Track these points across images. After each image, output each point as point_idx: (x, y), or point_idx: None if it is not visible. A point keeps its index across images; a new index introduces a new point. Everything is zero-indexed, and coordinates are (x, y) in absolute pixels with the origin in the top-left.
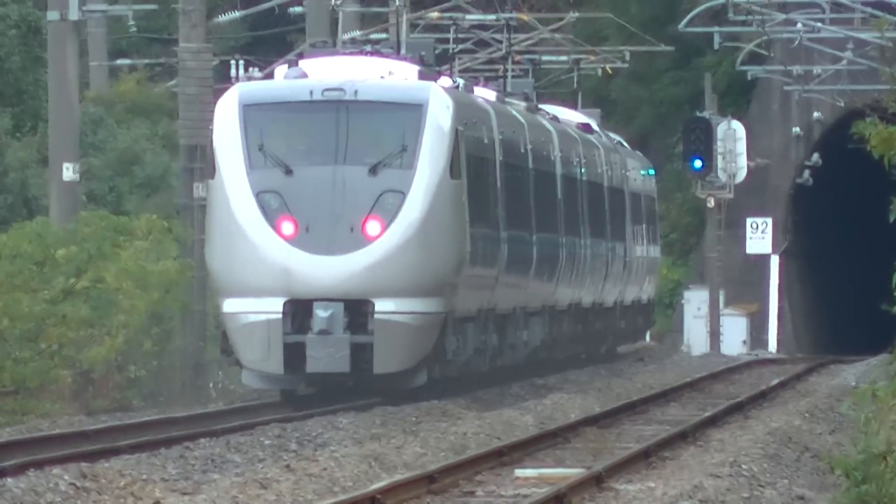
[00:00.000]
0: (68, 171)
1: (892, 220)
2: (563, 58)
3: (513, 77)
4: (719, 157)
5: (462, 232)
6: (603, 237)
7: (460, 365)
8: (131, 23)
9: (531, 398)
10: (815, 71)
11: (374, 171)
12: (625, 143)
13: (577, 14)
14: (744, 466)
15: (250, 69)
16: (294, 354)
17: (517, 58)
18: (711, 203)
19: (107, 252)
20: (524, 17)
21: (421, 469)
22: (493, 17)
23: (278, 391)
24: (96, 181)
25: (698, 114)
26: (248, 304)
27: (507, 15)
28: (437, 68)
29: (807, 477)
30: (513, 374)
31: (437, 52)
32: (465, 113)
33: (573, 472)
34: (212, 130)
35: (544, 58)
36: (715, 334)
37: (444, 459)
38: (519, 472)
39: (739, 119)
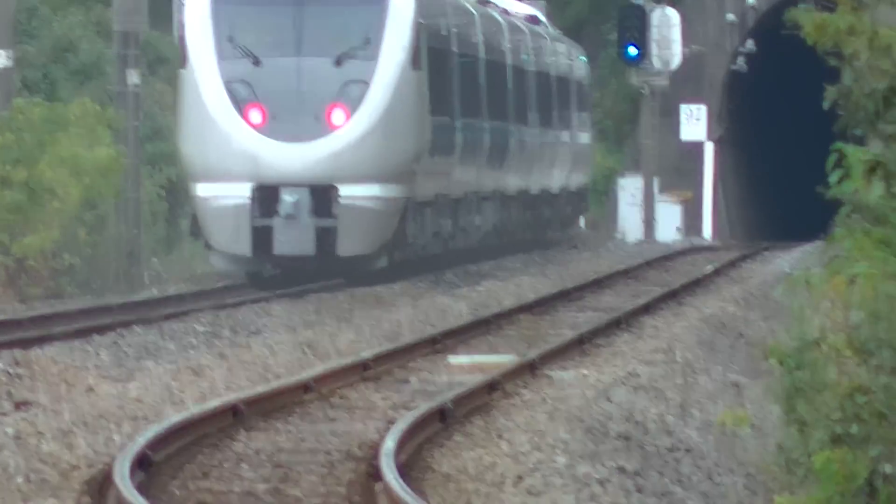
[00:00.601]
0: (2, 59)
1: (825, 107)
2: None
3: None
4: (654, 45)
5: (423, 121)
6: (549, 125)
7: (419, 248)
8: None
9: (465, 285)
10: None
11: (338, 61)
12: (541, 16)
13: None
14: (678, 353)
15: None
16: (261, 237)
17: None
18: (646, 90)
19: (43, 142)
20: None
21: (355, 356)
22: None
23: (244, 273)
24: (31, 68)
25: (633, 1)
26: (218, 189)
27: None
28: None
29: (741, 363)
30: (466, 256)
31: None
32: (425, 7)
33: (507, 360)
34: (182, 23)
35: None
36: (649, 222)
37: (378, 347)
38: (452, 360)
39: (674, 6)
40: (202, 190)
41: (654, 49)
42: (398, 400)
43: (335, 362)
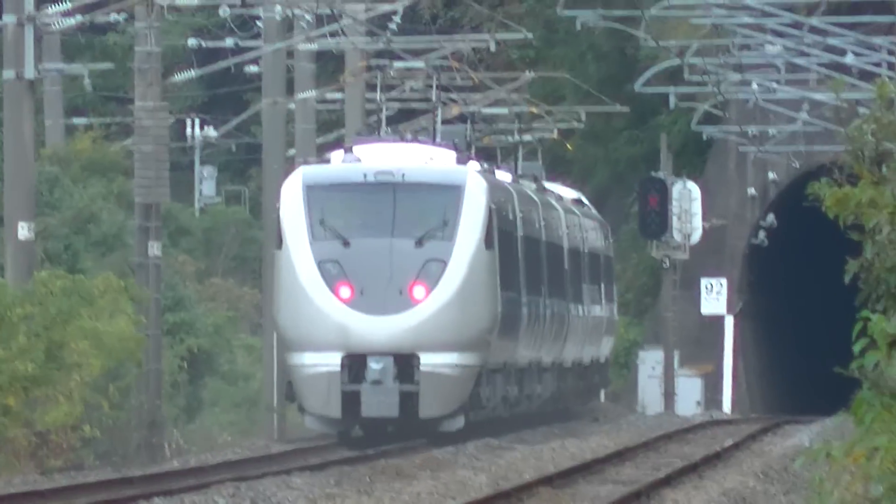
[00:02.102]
0: (24, 230)
1: (847, 280)
2: (505, 111)
3: (448, 126)
4: (675, 218)
5: (494, 295)
6: (596, 301)
7: (490, 411)
8: (87, 81)
9: (485, 457)
10: (770, 132)
11: (419, 242)
12: (584, 199)
13: (532, 74)
14: None
15: (205, 128)
16: (350, 401)
17: (456, 111)
18: (667, 263)
19: (66, 314)
20: (456, 64)
21: None
22: (421, 64)
23: (335, 433)
24: (52, 240)
25: (654, 174)
26: (311, 358)
27: (440, 63)
28: (469, 154)
29: None
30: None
31: (392, 112)
32: (495, 193)
33: None
34: (279, 207)
35: (485, 110)
36: (670, 394)
37: None
38: None
39: (695, 179)
40: (297, 359)
41: (674, 222)
42: None
43: None
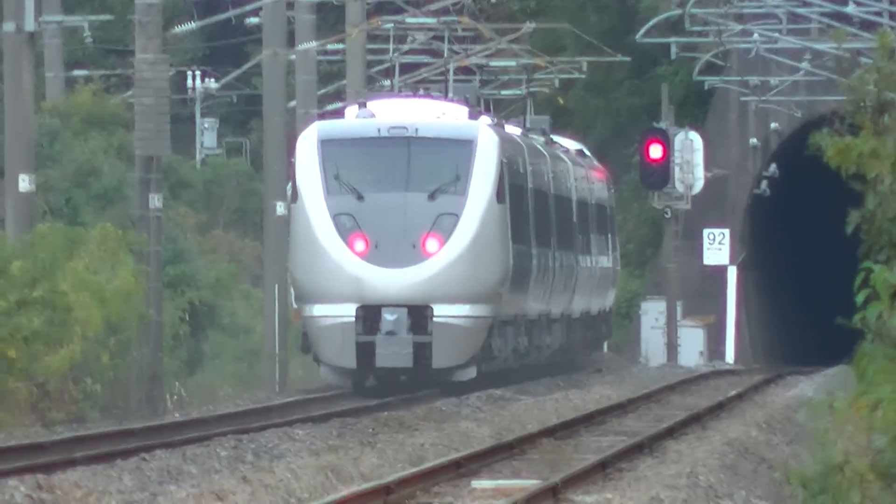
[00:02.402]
0: (24, 183)
1: (849, 231)
2: (513, 63)
3: (459, 83)
4: (677, 168)
5: (506, 249)
6: (602, 253)
7: (501, 362)
8: (87, 34)
9: (489, 409)
10: (772, 82)
11: (432, 196)
12: (586, 151)
13: (533, 24)
14: (701, 478)
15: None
16: (365, 352)
17: (465, 64)
18: (669, 214)
19: (61, 263)
20: (464, 19)
21: (378, 480)
22: (433, 20)
23: (350, 383)
24: (53, 193)
25: (655, 124)
26: (327, 310)
27: (449, 18)
28: (480, 109)
29: (764, 488)
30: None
31: (385, 65)
32: (506, 147)
33: (530, 484)
34: (294, 162)
35: (493, 64)
36: (672, 346)
37: (400, 471)
38: (476, 484)
39: (697, 130)
40: (312, 310)
41: (676, 172)
42: None
43: (358, 486)
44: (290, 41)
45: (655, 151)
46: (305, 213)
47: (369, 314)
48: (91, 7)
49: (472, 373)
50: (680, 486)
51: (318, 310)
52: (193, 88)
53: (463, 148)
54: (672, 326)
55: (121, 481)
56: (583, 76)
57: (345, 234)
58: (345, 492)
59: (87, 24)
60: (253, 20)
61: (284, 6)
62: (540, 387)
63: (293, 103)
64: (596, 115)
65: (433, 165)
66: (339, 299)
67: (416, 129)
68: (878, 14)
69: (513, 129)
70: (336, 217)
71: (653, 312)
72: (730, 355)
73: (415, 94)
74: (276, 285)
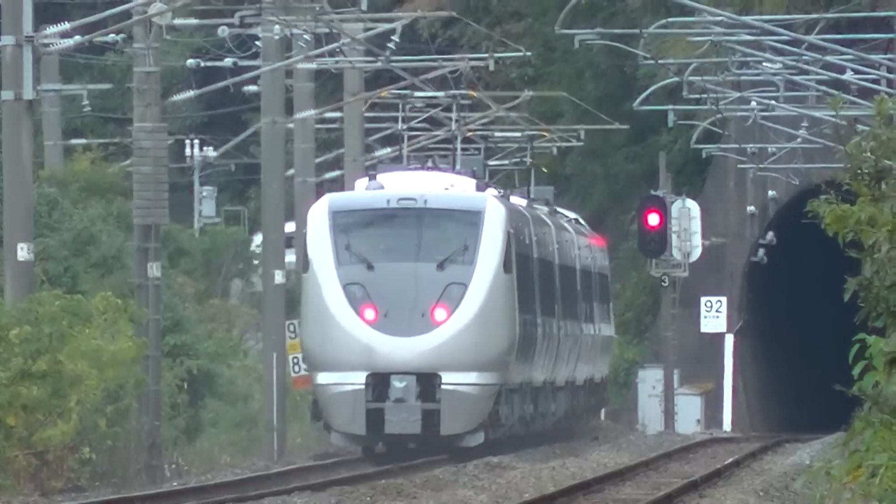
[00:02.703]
0: (23, 252)
1: (846, 298)
2: (517, 134)
3: (465, 155)
4: (674, 236)
5: (513, 317)
6: (603, 321)
7: (508, 428)
8: (86, 102)
9: (486, 477)
10: (769, 149)
11: (441, 266)
12: (581, 220)
13: (531, 92)
14: None
15: (204, 148)
16: (375, 418)
17: (469, 134)
18: (666, 282)
19: (64, 333)
20: (473, 93)
21: None
22: (441, 94)
23: (360, 449)
24: (51, 261)
25: (653, 192)
26: (337, 377)
27: (457, 91)
28: (487, 180)
29: None
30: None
31: (389, 131)
32: (513, 218)
33: None
34: (305, 232)
35: (497, 134)
36: (670, 413)
37: None
38: None
39: (694, 197)
40: (323, 378)
41: (674, 240)
42: None
43: None
44: (289, 109)
45: (653, 219)
46: (317, 282)
47: (379, 382)
48: (90, 75)
49: (479, 439)
50: None
51: (329, 377)
52: (192, 157)
53: (471, 219)
54: (669, 394)
55: None
56: (581, 143)
57: (355, 303)
58: None
59: (85, 92)
60: (251, 88)
61: (283, 74)
62: (537, 454)
63: (291, 171)
64: (594, 181)
65: (442, 236)
66: (350, 367)
67: (426, 201)
68: (876, 81)
69: (518, 200)
70: (346, 286)
71: (650, 380)
72: (727, 423)
73: (423, 166)
74: (275, 354)
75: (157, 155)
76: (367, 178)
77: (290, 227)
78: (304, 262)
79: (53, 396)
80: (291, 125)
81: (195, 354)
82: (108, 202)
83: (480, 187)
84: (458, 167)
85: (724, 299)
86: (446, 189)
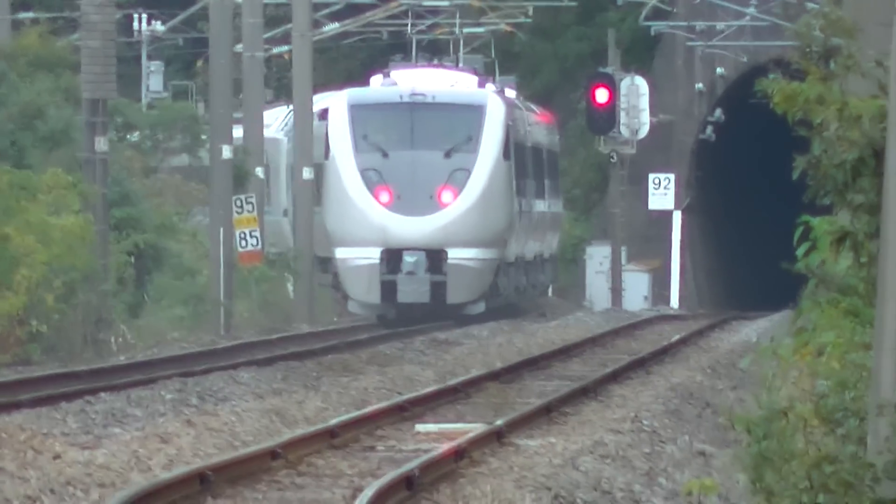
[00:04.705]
0: None
1: (794, 177)
2: (482, 30)
3: (466, 54)
4: (622, 113)
5: (511, 200)
6: (552, 198)
7: (504, 298)
8: None
9: (432, 353)
10: (718, 27)
11: (447, 154)
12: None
13: None
14: (645, 422)
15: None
16: (388, 289)
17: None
18: (615, 158)
19: (12, 208)
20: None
21: (322, 423)
22: (445, 3)
23: (374, 315)
24: None
25: (601, 69)
26: (355, 252)
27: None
28: (487, 77)
29: (708, 432)
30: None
31: (339, 6)
32: (511, 111)
33: (473, 427)
34: (326, 123)
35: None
36: (617, 290)
37: (345, 414)
38: (420, 427)
39: (643, 75)
40: (342, 253)
41: (622, 117)
42: (365, 468)
43: (302, 430)
44: None
45: (601, 96)
46: (336, 168)
47: (392, 256)
48: None
49: (481, 307)
50: (624, 430)
51: (347, 252)
52: (140, 31)
53: (474, 112)
54: (617, 271)
55: (65, 423)
56: (529, 20)
57: (371, 186)
58: (289, 435)
59: None
60: None
61: None
62: (484, 330)
63: (240, 46)
64: (543, 60)
65: (448, 127)
66: (366, 243)
67: (434, 96)
68: None
69: (510, 93)
70: (364, 172)
71: (598, 257)
72: (675, 300)
73: (430, 64)
74: (222, 229)
75: (105, 29)
76: (381, 76)
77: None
78: (325, 150)
79: (1, 270)
80: (240, 0)
81: (142, 228)
82: (56, 76)
83: (481, 83)
84: (461, 65)
85: (672, 176)
86: (452, 86)
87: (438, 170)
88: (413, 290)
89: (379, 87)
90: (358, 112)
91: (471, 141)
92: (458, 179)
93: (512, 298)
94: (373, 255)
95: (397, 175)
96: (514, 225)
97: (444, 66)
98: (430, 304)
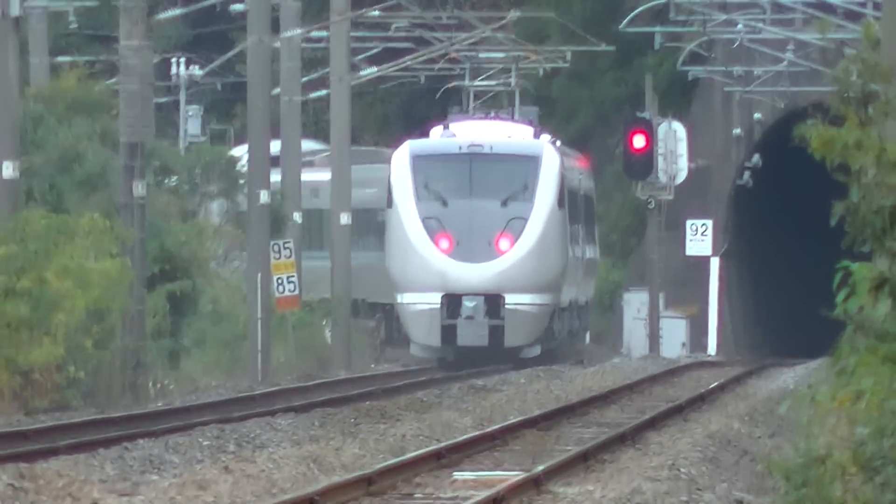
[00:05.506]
0: (8, 169)
1: (833, 223)
2: (502, 55)
3: (523, 106)
4: (660, 158)
5: (565, 246)
6: (588, 244)
7: (559, 341)
8: (72, 19)
9: (470, 399)
10: (755, 72)
11: (504, 203)
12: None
13: (518, 13)
14: (682, 469)
15: (190, 66)
16: (448, 333)
17: (453, 55)
18: (652, 204)
19: (50, 252)
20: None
21: (359, 471)
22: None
23: (435, 358)
24: (37, 179)
25: (639, 114)
26: (417, 298)
27: (448, 13)
28: (541, 128)
29: (746, 480)
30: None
31: (377, 50)
32: (565, 162)
33: (511, 475)
34: (389, 174)
35: (483, 55)
36: (654, 336)
37: (382, 461)
38: (457, 475)
39: (680, 120)
40: (405, 298)
41: (659, 162)
42: None
43: (339, 477)
44: (275, 28)
45: (639, 141)
46: (399, 216)
47: (452, 301)
48: None
49: (537, 350)
50: (661, 477)
51: (410, 297)
52: (178, 75)
53: (530, 162)
54: (654, 317)
55: (103, 470)
56: (567, 65)
57: (432, 233)
58: (326, 482)
59: (72, 9)
60: (237, 7)
61: None
62: (521, 378)
63: (277, 90)
64: (579, 104)
65: (505, 177)
66: (428, 289)
67: (491, 147)
68: (863, 4)
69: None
70: (425, 220)
71: (635, 303)
72: (712, 346)
73: (487, 116)
74: (259, 274)
75: (142, 73)
76: (441, 127)
77: (275, 146)
78: (388, 199)
79: (38, 315)
80: (278, 44)
81: (181, 276)
82: (93, 120)
83: (536, 135)
84: (516, 117)
85: (709, 222)
86: (508, 137)
87: (496, 218)
88: (472, 334)
89: (439, 139)
90: (419, 162)
91: (527, 190)
92: (514, 227)
93: (565, 342)
94: (434, 300)
95: (457, 223)
96: (568, 271)
97: (501, 118)
98: (489, 348)
